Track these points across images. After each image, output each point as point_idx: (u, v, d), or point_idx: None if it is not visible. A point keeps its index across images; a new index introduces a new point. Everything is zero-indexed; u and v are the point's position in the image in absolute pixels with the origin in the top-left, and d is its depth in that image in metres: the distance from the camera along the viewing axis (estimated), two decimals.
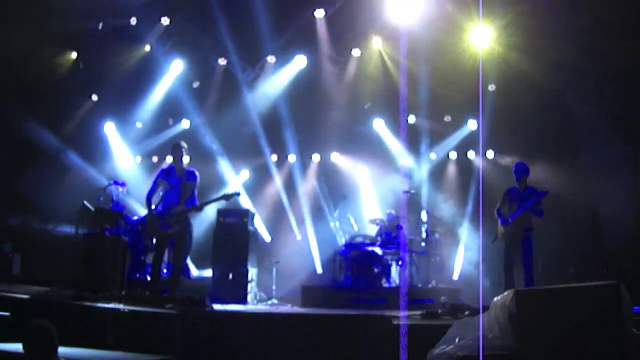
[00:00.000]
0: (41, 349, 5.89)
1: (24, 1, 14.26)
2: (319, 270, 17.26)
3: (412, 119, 17.60)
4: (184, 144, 11.09)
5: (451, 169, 17.97)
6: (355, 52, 17.22)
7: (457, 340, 6.78)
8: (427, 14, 14.76)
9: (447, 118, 17.46)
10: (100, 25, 16.44)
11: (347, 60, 17.42)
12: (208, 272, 13.84)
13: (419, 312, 9.98)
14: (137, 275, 12.71)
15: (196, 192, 10.93)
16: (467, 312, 9.80)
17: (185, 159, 11.11)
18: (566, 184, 14.71)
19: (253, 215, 14.14)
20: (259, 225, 16.36)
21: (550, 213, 11.81)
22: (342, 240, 14.92)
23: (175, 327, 8.93)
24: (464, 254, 16.19)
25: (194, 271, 15.87)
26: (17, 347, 6.96)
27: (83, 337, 7.35)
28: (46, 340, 5.90)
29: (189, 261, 13.98)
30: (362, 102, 17.85)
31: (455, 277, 16.01)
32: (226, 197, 11.17)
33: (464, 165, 17.75)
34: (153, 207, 10.93)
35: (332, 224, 15.69)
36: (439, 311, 10.10)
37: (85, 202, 11.93)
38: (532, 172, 11.83)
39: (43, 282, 12.33)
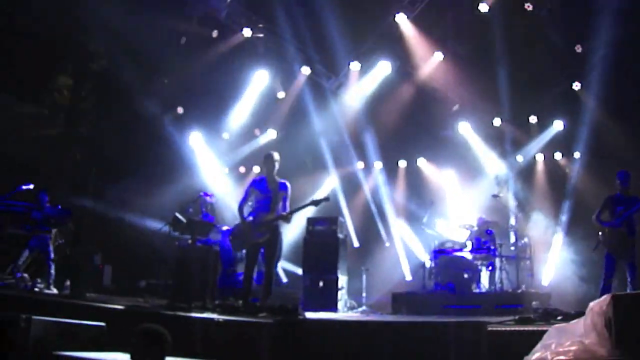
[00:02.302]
0: (153, 355, 5.87)
1: None
2: (408, 277, 17.21)
3: (497, 122, 17.45)
4: (276, 155, 10.99)
5: (539, 171, 17.69)
6: (438, 55, 17.12)
7: (553, 346, 6.64)
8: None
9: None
10: (184, 39, 16.75)
11: (429, 64, 17.34)
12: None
13: (510, 318, 9.82)
14: (228, 284, 12.89)
15: (288, 203, 10.85)
16: (559, 317, 9.60)
17: (276, 170, 11.09)
18: None
19: (343, 222, 14.16)
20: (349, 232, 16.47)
21: None
22: (431, 246, 14.78)
23: (268, 335, 8.99)
24: (556, 259, 15.82)
25: (285, 278, 16.08)
26: (114, 356, 7.13)
27: (177, 347, 7.46)
28: (160, 346, 5.90)
29: (279, 269, 14.11)
30: (448, 106, 17.73)
31: (545, 282, 15.64)
32: (315, 202, 10.99)
33: (552, 167, 17.44)
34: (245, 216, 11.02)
35: (421, 230, 15.58)
36: (532, 316, 9.91)
37: (177, 214, 12.12)
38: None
39: (134, 293, 12.67)
